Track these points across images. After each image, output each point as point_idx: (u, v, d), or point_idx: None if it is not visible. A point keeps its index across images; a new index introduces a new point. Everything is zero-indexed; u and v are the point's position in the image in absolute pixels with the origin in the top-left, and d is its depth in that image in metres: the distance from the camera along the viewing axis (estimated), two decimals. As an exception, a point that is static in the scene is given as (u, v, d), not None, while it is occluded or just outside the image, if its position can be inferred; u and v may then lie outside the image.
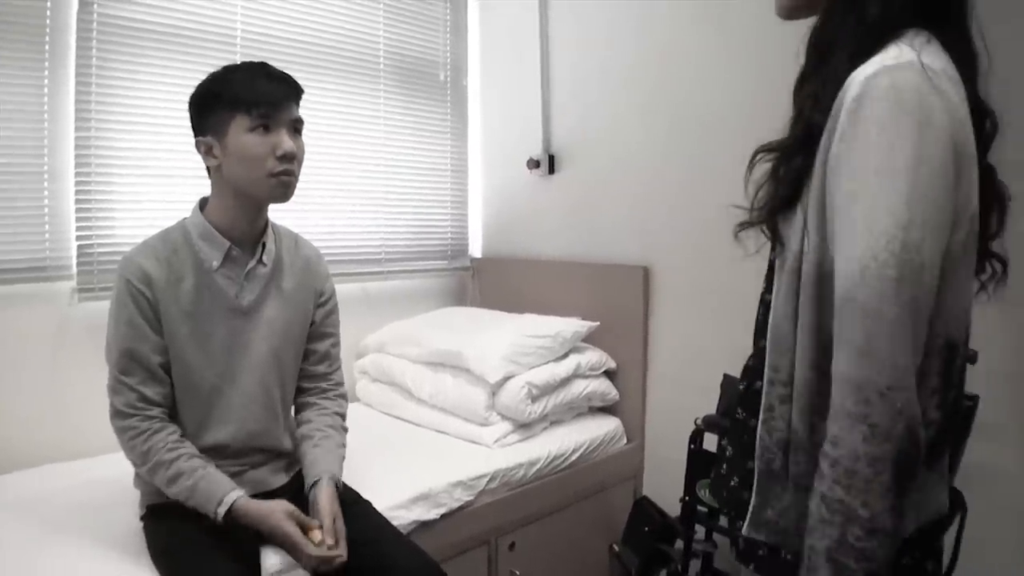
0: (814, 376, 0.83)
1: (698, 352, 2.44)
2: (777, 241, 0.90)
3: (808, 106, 0.86)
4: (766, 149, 0.93)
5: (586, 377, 2.56)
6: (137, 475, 1.60)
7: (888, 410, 0.73)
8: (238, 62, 1.64)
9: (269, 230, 1.66)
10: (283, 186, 1.53)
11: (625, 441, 2.61)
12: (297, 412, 1.78)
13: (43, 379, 2.15)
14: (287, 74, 1.56)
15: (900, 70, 0.76)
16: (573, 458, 2.37)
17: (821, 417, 0.81)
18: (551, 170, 2.99)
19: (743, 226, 0.96)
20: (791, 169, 0.87)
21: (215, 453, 1.56)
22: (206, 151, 1.53)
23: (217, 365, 1.57)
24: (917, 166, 0.74)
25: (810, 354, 0.84)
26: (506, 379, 2.34)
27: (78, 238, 2.21)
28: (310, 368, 1.77)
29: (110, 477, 1.85)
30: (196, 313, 1.54)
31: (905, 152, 0.74)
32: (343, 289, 2.84)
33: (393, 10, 3.03)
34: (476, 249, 3.37)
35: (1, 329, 2.08)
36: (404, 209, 3.12)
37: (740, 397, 0.99)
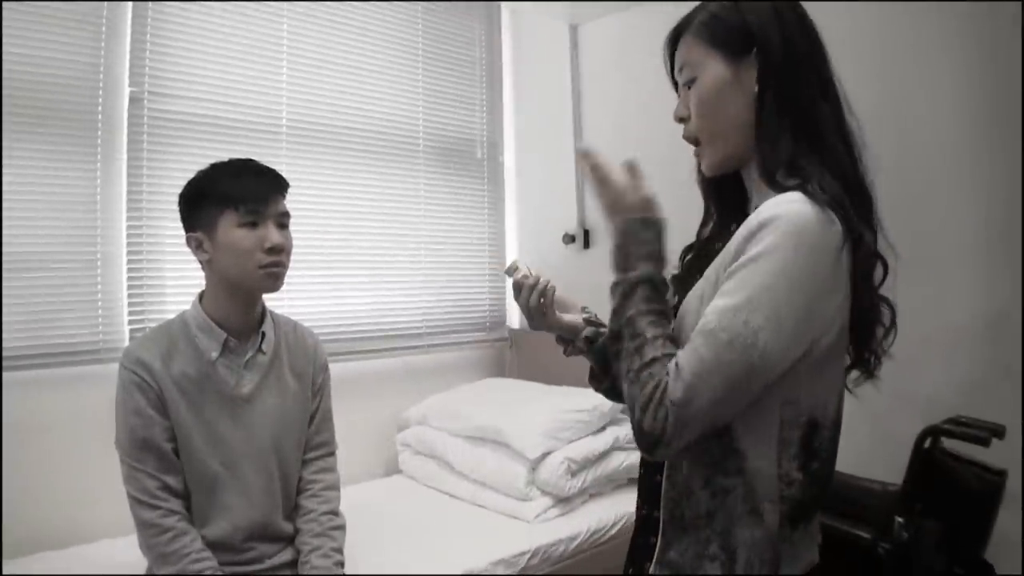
0: (705, 438, 0.92)
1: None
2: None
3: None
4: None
5: (624, 450, 2.56)
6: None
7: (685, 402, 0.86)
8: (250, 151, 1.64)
9: (267, 319, 1.68)
10: (272, 277, 1.56)
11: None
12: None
13: (98, 458, 2.20)
14: (272, 169, 1.61)
15: (801, 203, 0.89)
16: (613, 531, 2.36)
17: (713, 471, 0.95)
18: (586, 245, 3.06)
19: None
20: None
21: (218, 548, 1.55)
22: (196, 246, 1.56)
23: (220, 453, 1.58)
24: (797, 285, 0.87)
25: None
26: (545, 455, 2.36)
27: (130, 321, 2.31)
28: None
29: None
30: (199, 402, 1.56)
31: (794, 270, 0.87)
32: (386, 363, 2.93)
33: (432, 93, 3.17)
34: (514, 321, 3.42)
35: (57, 409, 2.16)
36: (444, 283, 3.20)
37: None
